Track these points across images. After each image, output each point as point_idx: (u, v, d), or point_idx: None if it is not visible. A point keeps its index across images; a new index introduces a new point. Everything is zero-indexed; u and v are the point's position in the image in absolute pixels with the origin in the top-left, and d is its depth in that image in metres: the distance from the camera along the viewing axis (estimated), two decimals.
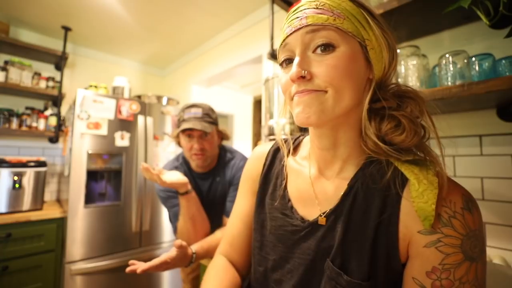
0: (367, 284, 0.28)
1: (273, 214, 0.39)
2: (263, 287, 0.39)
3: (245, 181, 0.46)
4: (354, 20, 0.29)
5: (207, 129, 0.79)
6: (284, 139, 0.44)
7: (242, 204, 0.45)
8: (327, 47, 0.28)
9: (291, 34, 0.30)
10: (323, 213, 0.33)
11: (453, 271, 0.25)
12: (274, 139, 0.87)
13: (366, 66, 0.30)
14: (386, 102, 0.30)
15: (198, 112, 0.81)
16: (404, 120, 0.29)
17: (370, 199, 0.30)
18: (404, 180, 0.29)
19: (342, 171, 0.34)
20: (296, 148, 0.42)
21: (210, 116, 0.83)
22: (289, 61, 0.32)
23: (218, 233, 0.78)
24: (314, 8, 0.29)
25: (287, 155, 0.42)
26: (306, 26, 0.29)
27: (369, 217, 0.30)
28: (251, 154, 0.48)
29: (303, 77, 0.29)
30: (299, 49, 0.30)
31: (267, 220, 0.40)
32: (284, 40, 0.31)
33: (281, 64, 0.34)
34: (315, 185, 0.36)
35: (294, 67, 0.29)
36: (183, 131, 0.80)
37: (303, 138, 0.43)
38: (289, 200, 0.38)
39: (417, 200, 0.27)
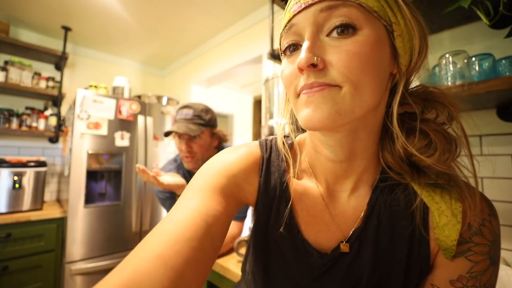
0: None
1: (281, 252, 0.31)
2: None
3: (217, 175, 0.29)
4: (385, 3, 0.23)
5: (192, 132, 0.76)
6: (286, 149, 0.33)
7: (205, 206, 0.25)
8: (347, 29, 0.22)
9: (299, 12, 0.23)
10: (345, 239, 0.29)
11: (480, 278, 0.25)
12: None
13: (391, 58, 0.24)
14: (411, 107, 0.25)
15: (188, 113, 0.80)
16: (435, 136, 0.24)
17: (396, 221, 0.28)
18: (426, 205, 0.27)
19: (356, 188, 0.30)
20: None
21: (201, 118, 0.81)
22: (294, 47, 0.25)
23: None
24: None
25: (289, 172, 0.32)
26: (320, 1, 0.22)
27: (398, 241, 0.28)
28: (235, 148, 0.33)
29: (314, 65, 0.22)
30: (310, 31, 0.23)
31: (272, 260, 0.31)
32: (289, 20, 0.24)
33: (284, 52, 0.26)
34: (330, 206, 0.30)
35: (303, 53, 0.22)
36: (173, 132, 0.79)
37: (291, 143, 0.33)
38: (299, 231, 0.30)
39: (437, 231, 0.26)
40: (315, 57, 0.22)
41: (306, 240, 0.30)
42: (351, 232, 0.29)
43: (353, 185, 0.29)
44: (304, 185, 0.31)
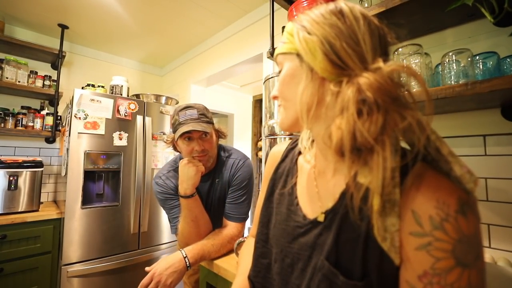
0: (362, 284, 0.28)
1: (280, 209, 0.41)
2: (265, 279, 0.40)
3: (264, 181, 0.49)
4: (292, 39, 0.33)
5: (207, 129, 0.77)
6: (297, 138, 0.46)
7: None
8: (281, 70, 0.36)
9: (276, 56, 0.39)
10: (324, 211, 0.34)
11: (445, 276, 0.24)
12: (274, 138, 0.86)
13: (309, 70, 0.32)
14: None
15: (193, 113, 0.78)
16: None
17: (366, 197, 0.30)
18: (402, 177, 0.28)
19: (339, 168, 0.35)
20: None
21: (206, 116, 0.81)
22: None
23: (214, 240, 0.75)
24: (279, 42, 0.37)
25: (299, 154, 0.44)
26: (276, 55, 0.38)
27: (363, 216, 0.29)
28: (269, 154, 0.51)
29: (277, 97, 0.37)
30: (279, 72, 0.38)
31: (273, 215, 0.42)
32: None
33: None
34: (318, 182, 0.38)
35: (273, 90, 0.38)
36: (182, 134, 0.76)
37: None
38: (296, 197, 0.40)
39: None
40: (275, 91, 0.37)
41: (299, 204, 0.39)
42: (330, 206, 0.34)
43: (335, 167, 0.35)
44: (307, 165, 0.41)
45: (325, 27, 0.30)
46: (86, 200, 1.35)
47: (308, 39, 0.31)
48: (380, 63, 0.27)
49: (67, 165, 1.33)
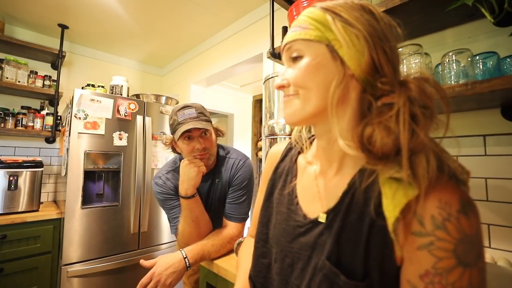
0: (363, 284, 0.28)
1: (280, 209, 0.41)
2: (266, 279, 0.40)
3: (263, 180, 0.49)
4: (320, 26, 0.31)
5: (208, 127, 0.77)
6: (298, 137, 0.45)
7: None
8: (296, 58, 0.33)
9: (282, 49, 0.37)
10: (325, 211, 0.34)
11: (446, 276, 0.25)
12: (274, 138, 0.86)
13: (342, 65, 0.30)
14: (386, 97, 0.29)
15: (192, 112, 0.78)
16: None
17: (368, 198, 0.30)
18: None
19: (342, 168, 0.35)
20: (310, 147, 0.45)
21: (204, 115, 0.81)
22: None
23: (213, 240, 0.75)
24: (294, 27, 0.34)
25: (299, 153, 0.44)
26: (286, 44, 0.35)
27: (365, 216, 0.30)
28: (268, 153, 0.51)
29: (283, 86, 0.35)
30: (285, 63, 0.36)
31: (273, 214, 0.42)
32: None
33: None
34: (318, 182, 0.37)
35: (277, 79, 0.35)
36: (183, 133, 0.76)
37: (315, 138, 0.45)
38: (296, 196, 0.40)
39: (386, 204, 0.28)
40: (284, 80, 0.35)
41: (299, 204, 0.38)
42: (331, 205, 0.34)
43: (337, 167, 0.35)
44: (307, 165, 0.41)
45: (365, 22, 0.29)
46: (86, 200, 1.35)
47: (351, 31, 0.29)
48: (424, 71, 0.30)
49: (67, 165, 1.33)
